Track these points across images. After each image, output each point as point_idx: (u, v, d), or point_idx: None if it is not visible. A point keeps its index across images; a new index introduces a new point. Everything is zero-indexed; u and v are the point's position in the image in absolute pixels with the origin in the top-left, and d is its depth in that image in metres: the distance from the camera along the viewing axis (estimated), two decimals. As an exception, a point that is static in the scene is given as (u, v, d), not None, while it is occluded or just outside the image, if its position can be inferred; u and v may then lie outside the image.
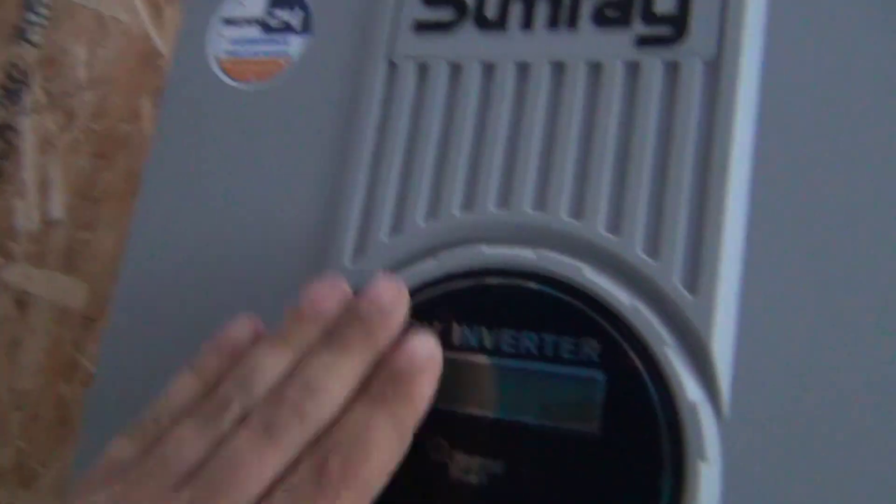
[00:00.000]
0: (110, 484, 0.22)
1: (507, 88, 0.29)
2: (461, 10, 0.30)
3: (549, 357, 0.25)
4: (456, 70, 0.29)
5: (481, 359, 0.26)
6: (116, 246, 0.49)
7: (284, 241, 0.31)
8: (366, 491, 0.22)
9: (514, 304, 0.26)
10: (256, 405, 0.23)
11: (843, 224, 0.25)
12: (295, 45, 0.33)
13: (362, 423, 0.22)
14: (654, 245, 0.26)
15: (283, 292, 0.30)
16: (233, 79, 0.34)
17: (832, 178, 0.26)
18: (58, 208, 0.52)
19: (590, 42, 0.28)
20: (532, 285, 0.26)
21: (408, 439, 0.23)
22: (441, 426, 0.25)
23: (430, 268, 0.27)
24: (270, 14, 0.34)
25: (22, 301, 0.50)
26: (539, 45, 0.29)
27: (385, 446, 0.22)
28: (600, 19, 0.28)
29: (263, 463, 0.22)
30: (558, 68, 0.28)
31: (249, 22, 0.34)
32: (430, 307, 0.26)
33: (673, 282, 0.25)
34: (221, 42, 0.34)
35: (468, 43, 0.29)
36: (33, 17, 0.55)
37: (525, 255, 0.26)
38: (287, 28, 0.33)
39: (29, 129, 0.53)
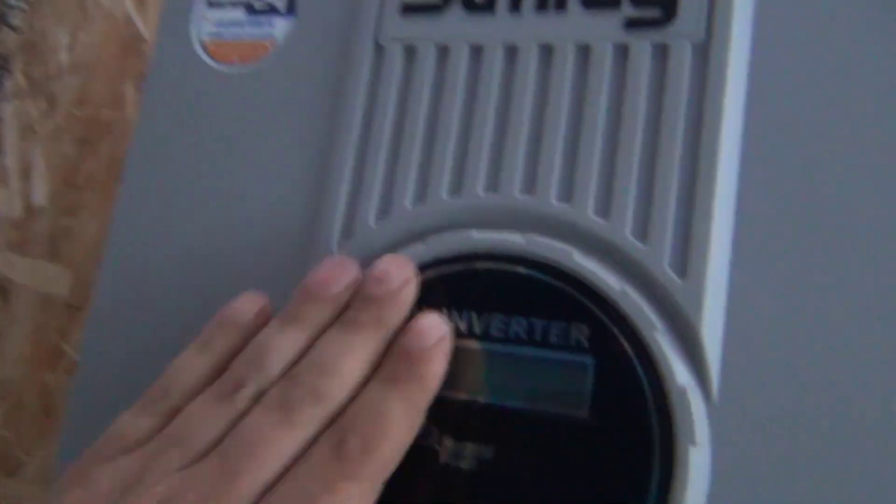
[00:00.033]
0: (126, 455, 0.22)
1: (496, 71, 0.28)
2: (449, -9, 0.30)
3: (539, 342, 0.25)
4: (443, 53, 0.29)
5: (471, 344, 0.25)
6: (100, 233, 0.49)
7: (270, 226, 0.30)
8: (383, 469, 0.22)
9: (504, 289, 0.26)
10: (271, 385, 0.23)
11: (834, 208, 0.25)
12: (280, 27, 0.33)
13: (377, 404, 0.22)
14: (643, 229, 0.25)
15: (269, 277, 0.29)
16: (217, 62, 0.33)
17: (822, 162, 0.26)
18: (40, 195, 0.51)
19: (578, 24, 0.28)
20: (521, 270, 0.26)
21: (421, 418, 0.23)
22: (431, 411, 0.24)
23: (418, 252, 0.27)
24: (255, -4, 0.33)
25: (4, 289, 0.50)
26: (527, 27, 0.28)
27: (400, 425, 0.22)
28: (589, 1, 0.28)
29: (282, 441, 0.22)
30: (547, 51, 0.28)
31: (234, 4, 0.34)
32: (418, 292, 0.26)
33: (662, 265, 0.25)
34: (205, 24, 0.34)
35: (456, 25, 0.29)
36: (14, 2, 0.54)
37: (514, 240, 0.26)
38: (272, 10, 0.33)
39: (10, 115, 0.53)
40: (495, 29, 0.29)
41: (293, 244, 0.30)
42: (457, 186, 0.28)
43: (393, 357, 0.24)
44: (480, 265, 0.26)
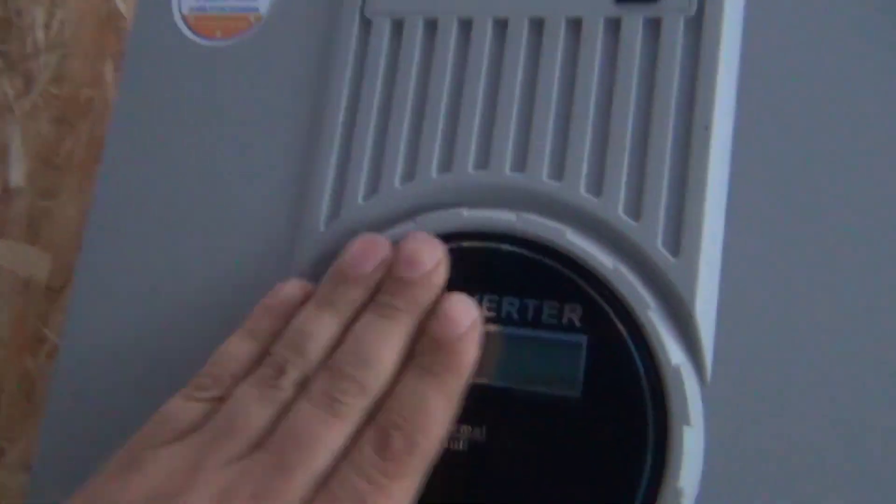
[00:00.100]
0: (179, 442, 0.23)
1: (485, 45, 0.28)
2: (437, -36, 0.29)
3: (531, 322, 0.25)
4: (432, 26, 0.29)
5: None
6: (80, 215, 0.48)
7: (256, 205, 0.30)
8: (426, 461, 0.23)
9: (494, 268, 0.25)
10: (312, 371, 0.24)
11: (828, 185, 0.25)
12: None
13: (417, 398, 0.23)
14: (636, 206, 0.25)
15: (256, 255, 0.29)
16: (198, 35, 0.32)
17: (816, 139, 0.25)
18: (18, 176, 0.50)
19: (570, -3, 0.27)
20: (513, 249, 0.25)
21: (456, 406, 0.24)
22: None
23: (407, 231, 0.26)
24: (238, -32, 0.32)
25: (-18, 272, 0.49)
26: (517, 0, 0.28)
27: (440, 418, 0.23)
28: (580, -26, 0.27)
29: (330, 435, 0.22)
30: (537, 25, 0.28)
31: (216, -24, 0.33)
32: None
33: (655, 244, 0.25)
34: (186, -2, 0.33)
35: (444, -2, 0.29)
36: (-13, -22, 0.53)
37: (505, 218, 0.26)
38: (255, -18, 0.32)
39: (-15, 94, 0.51)
40: (485, 2, 0.28)
41: (280, 223, 0.29)
42: (446, 164, 0.27)
43: (427, 346, 0.24)
44: (470, 244, 0.26)
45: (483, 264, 0.25)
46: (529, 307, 0.25)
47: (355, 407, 0.23)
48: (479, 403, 0.24)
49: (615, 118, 0.26)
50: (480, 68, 0.28)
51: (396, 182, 0.28)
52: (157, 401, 0.26)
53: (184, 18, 0.33)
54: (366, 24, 0.29)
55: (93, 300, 0.31)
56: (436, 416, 0.23)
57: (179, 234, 0.30)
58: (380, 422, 0.23)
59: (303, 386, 0.24)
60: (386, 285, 0.25)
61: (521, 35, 0.27)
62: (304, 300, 0.26)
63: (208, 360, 0.25)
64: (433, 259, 0.25)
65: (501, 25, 0.28)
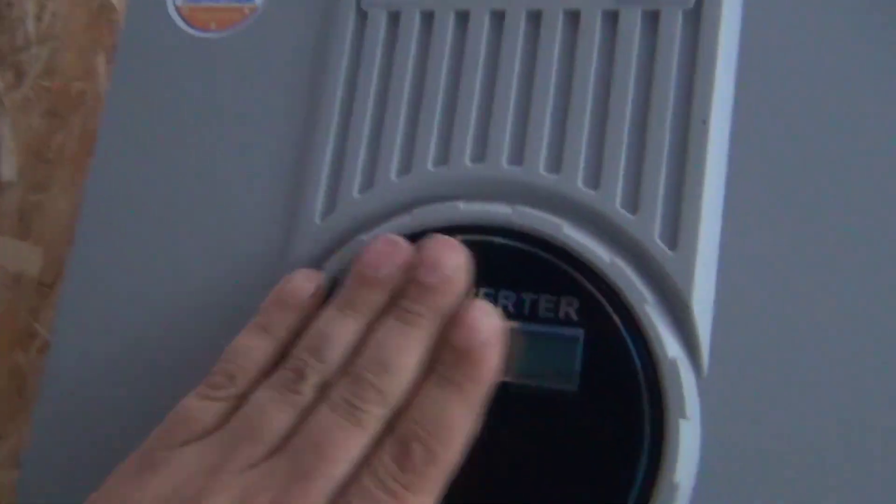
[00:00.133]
0: (197, 443, 0.23)
1: (482, 38, 0.28)
2: (433, -44, 0.29)
3: (528, 315, 0.25)
4: (428, 19, 0.28)
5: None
6: (72, 209, 0.48)
7: (249, 199, 0.30)
8: (446, 474, 0.22)
9: (491, 262, 0.25)
10: (332, 375, 0.24)
11: (825, 179, 0.25)
12: (259, -9, 0.32)
13: (439, 409, 0.23)
14: (633, 199, 0.25)
15: (250, 251, 0.29)
16: (192, 27, 0.32)
17: (814, 132, 0.25)
18: (9, 170, 0.50)
19: (567, -10, 0.27)
20: (509, 242, 0.25)
21: (477, 415, 0.23)
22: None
23: (403, 224, 0.26)
24: (232, -41, 0.32)
25: (-27, 267, 0.49)
26: (515, -8, 0.28)
27: (461, 427, 0.23)
28: (578, -34, 0.27)
29: (350, 443, 0.22)
30: (535, 17, 0.27)
31: (210, -32, 0.33)
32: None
33: (652, 237, 0.25)
34: (180, -11, 0.33)
35: (441, -10, 0.28)
36: (-22, -30, 0.53)
37: (502, 211, 0.26)
38: (250, -26, 0.32)
39: (-24, 87, 0.51)
40: (482, -6, 0.28)
41: (275, 216, 0.29)
42: (443, 157, 0.27)
43: (449, 354, 0.23)
44: (467, 238, 0.26)
45: (480, 258, 0.25)
46: (526, 301, 0.25)
47: (376, 415, 0.23)
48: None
49: (613, 111, 0.26)
50: (477, 61, 0.27)
51: (392, 175, 0.27)
52: (149, 396, 0.26)
53: (178, 10, 0.32)
54: (362, 16, 0.29)
55: (84, 295, 0.31)
56: (456, 428, 0.23)
57: (172, 229, 0.30)
58: (400, 432, 0.23)
59: (323, 390, 0.23)
60: (407, 290, 0.25)
61: (518, 27, 0.27)
62: (315, 291, 0.26)
63: (221, 357, 0.25)
64: (454, 262, 0.25)
65: (498, 17, 0.28)
